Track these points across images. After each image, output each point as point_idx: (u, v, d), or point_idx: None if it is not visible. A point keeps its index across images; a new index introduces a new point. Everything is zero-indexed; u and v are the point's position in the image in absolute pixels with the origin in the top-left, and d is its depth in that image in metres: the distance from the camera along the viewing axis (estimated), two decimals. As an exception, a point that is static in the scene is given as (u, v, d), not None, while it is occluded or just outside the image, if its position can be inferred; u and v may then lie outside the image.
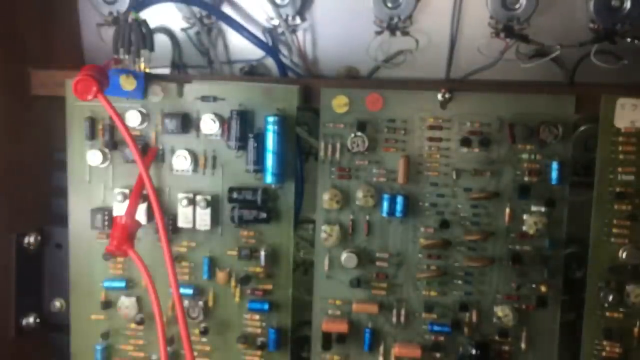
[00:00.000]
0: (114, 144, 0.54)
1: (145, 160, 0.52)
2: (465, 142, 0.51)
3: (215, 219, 0.53)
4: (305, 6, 0.59)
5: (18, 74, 0.57)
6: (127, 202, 0.52)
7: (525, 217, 0.51)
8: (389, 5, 0.55)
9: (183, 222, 0.53)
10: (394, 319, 0.54)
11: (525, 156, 0.51)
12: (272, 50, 0.59)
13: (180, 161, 0.53)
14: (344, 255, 0.53)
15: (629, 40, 0.53)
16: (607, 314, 0.51)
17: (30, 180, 0.59)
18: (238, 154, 0.53)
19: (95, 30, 0.61)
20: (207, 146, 0.53)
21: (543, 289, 0.51)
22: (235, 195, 0.53)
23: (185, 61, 0.63)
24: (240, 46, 0.61)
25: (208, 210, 0.53)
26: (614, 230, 0.50)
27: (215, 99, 0.53)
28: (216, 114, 0.53)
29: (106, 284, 0.55)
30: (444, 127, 0.52)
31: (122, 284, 0.55)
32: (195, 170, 0.54)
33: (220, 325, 0.55)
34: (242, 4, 0.60)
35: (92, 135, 0.54)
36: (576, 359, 0.52)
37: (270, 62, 0.60)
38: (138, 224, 0.51)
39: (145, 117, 0.53)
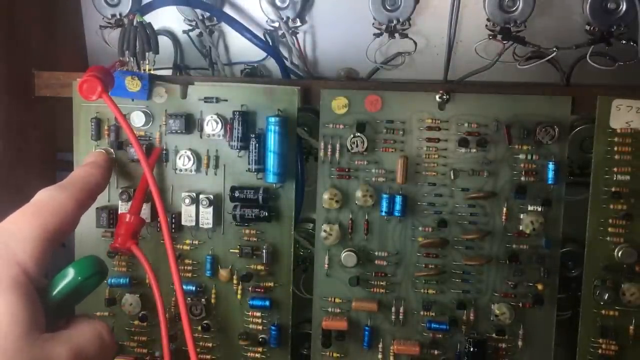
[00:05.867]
0: (119, 144, 0.55)
1: (150, 160, 0.53)
2: (463, 142, 0.52)
3: (217, 218, 0.54)
4: (305, 9, 0.60)
5: (22, 75, 0.58)
6: (132, 201, 0.53)
7: (522, 216, 0.52)
8: (388, 8, 0.56)
9: (186, 220, 0.54)
10: (393, 317, 0.54)
11: (522, 156, 0.52)
12: (274, 52, 0.59)
13: (184, 161, 0.54)
14: (343, 254, 0.54)
15: (624, 42, 0.53)
16: (603, 312, 0.52)
17: (34, 180, 0.60)
18: (240, 154, 0.54)
19: (98, 32, 0.62)
20: (210, 146, 0.54)
21: (539, 287, 0.52)
22: (237, 194, 0.53)
23: (186, 63, 0.63)
24: (240, 48, 0.62)
25: (210, 209, 0.53)
26: (610, 230, 0.51)
27: (218, 100, 0.54)
28: (219, 115, 0.53)
29: (110, 281, 0.56)
30: (441, 128, 0.52)
31: (126, 281, 0.56)
32: (198, 169, 0.54)
33: (222, 322, 0.56)
34: (242, 6, 0.61)
35: (98, 136, 0.55)
36: (572, 356, 0.53)
37: (270, 63, 0.61)
38: (142, 222, 0.51)
39: (149, 117, 0.54)
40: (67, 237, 0.42)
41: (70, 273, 0.38)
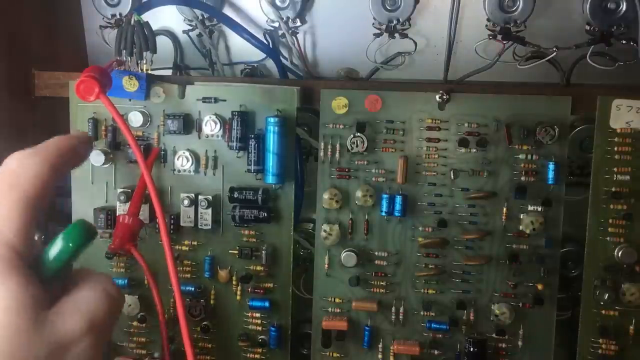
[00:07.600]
0: (116, 144, 0.54)
1: (148, 161, 0.53)
2: (463, 142, 0.52)
3: (216, 219, 0.54)
4: (305, 9, 0.60)
5: (22, 75, 0.58)
6: (130, 202, 0.52)
7: (522, 216, 0.52)
8: (388, 8, 0.56)
9: (185, 221, 0.54)
10: (393, 317, 0.54)
11: (521, 156, 0.51)
12: (272, 52, 0.59)
13: (182, 161, 0.54)
14: (343, 254, 0.53)
15: (624, 42, 0.53)
16: (603, 312, 0.52)
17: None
18: (239, 155, 0.54)
19: (98, 32, 0.62)
20: (209, 147, 0.54)
21: (539, 287, 0.52)
22: (236, 195, 0.53)
23: (187, 63, 0.63)
24: (241, 48, 0.62)
25: (209, 210, 0.53)
26: (610, 230, 0.51)
27: (216, 100, 0.53)
28: (217, 115, 0.53)
29: (109, 282, 0.55)
30: (441, 128, 0.52)
31: (125, 283, 0.55)
32: (196, 170, 0.54)
33: (221, 323, 0.56)
34: (242, 6, 0.61)
35: (96, 136, 0.55)
36: (572, 356, 0.53)
37: (270, 63, 0.61)
38: (141, 223, 0.51)
39: (147, 117, 0.54)
40: (46, 204, 0.40)
41: (59, 244, 0.36)
